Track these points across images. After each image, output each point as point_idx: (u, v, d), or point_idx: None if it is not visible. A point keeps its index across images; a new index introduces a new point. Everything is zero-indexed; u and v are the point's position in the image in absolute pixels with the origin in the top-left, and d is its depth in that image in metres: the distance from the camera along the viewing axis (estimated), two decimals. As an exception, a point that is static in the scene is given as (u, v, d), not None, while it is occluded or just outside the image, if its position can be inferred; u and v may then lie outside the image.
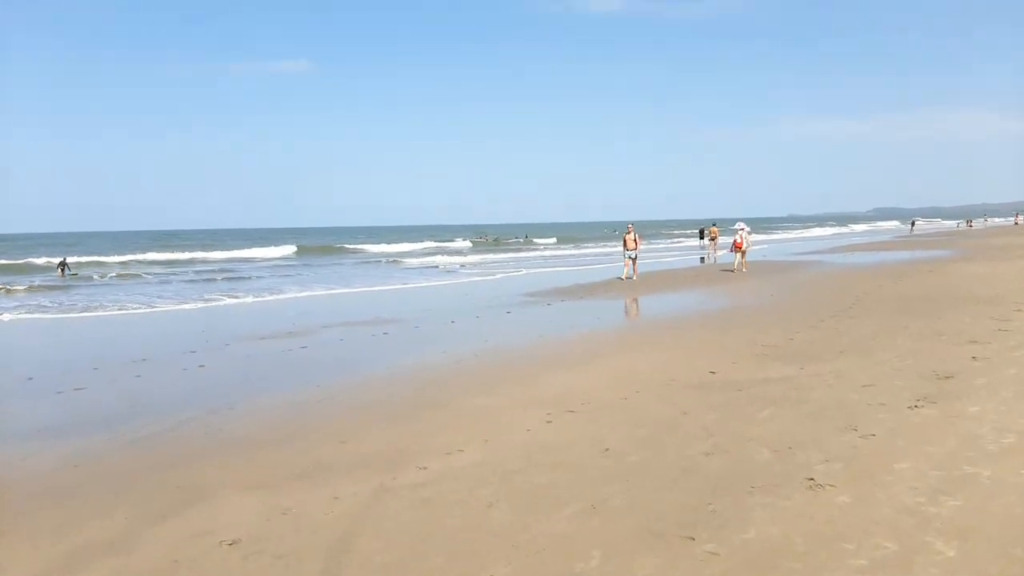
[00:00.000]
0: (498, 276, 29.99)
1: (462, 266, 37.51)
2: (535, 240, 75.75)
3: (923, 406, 6.80)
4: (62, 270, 35.28)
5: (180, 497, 5.41)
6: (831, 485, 4.96)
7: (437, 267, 37.11)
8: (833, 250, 40.13)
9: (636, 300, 18.71)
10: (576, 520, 4.58)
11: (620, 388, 8.26)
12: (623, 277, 23.84)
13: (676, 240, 71.13)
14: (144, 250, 57.94)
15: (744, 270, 25.28)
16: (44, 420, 8.07)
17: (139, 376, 10.43)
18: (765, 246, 48.72)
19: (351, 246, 65.97)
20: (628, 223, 25.56)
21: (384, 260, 46.47)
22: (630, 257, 24.04)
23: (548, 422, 6.99)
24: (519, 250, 59.55)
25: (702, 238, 55.63)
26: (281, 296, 22.71)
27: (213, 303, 21.03)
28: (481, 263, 40.56)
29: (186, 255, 52.94)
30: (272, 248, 59.22)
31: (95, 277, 33.56)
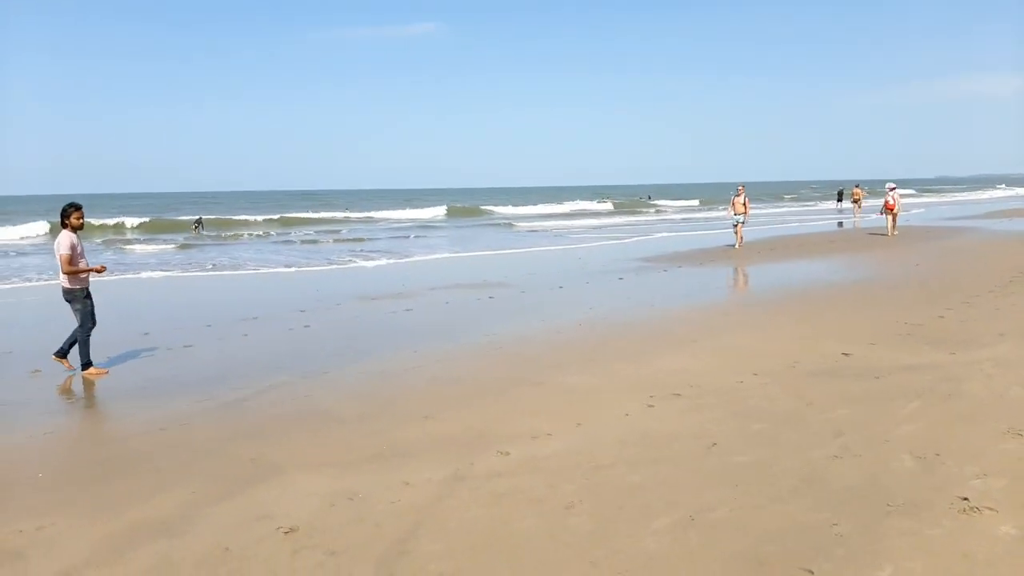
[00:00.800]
0: (618, 240, 29.04)
1: (594, 227, 36.25)
2: (666, 202, 73.08)
3: (1112, 409, 5.60)
4: (197, 228, 37.22)
5: (250, 472, 5.15)
6: (990, 509, 4.02)
7: (548, 231, 36.11)
8: (990, 215, 36.32)
9: (761, 268, 17.38)
10: (669, 535, 3.90)
11: (735, 370, 7.39)
12: (736, 246, 21.92)
13: (811, 203, 66.97)
14: (285, 210, 59.45)
15: (894, 234, 23.81)
16: (146, 379, 8.14)
17: (246, 335, 10.50)
18: (921, 210, 44.89)
19: (490, 208, 64.53)
20: (739, 184, 22.82)
21: (501, 223, 46.19)
22: (738, 222, 22.02)
23: (650, 407, 6.28)
24: (647, 212, 57.75)
25: (840, 200, 52.07)
26: (403, 259, 22.81)
27: (337, 264, 21.38)
28: (603, 226, 39.55)
29: (328, 214, 53.05)
30: (425, 210, 57.84)
31: (244, 236, 34.76)
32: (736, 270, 17.27)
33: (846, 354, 7.92)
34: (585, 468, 4.90)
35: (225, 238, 34.16)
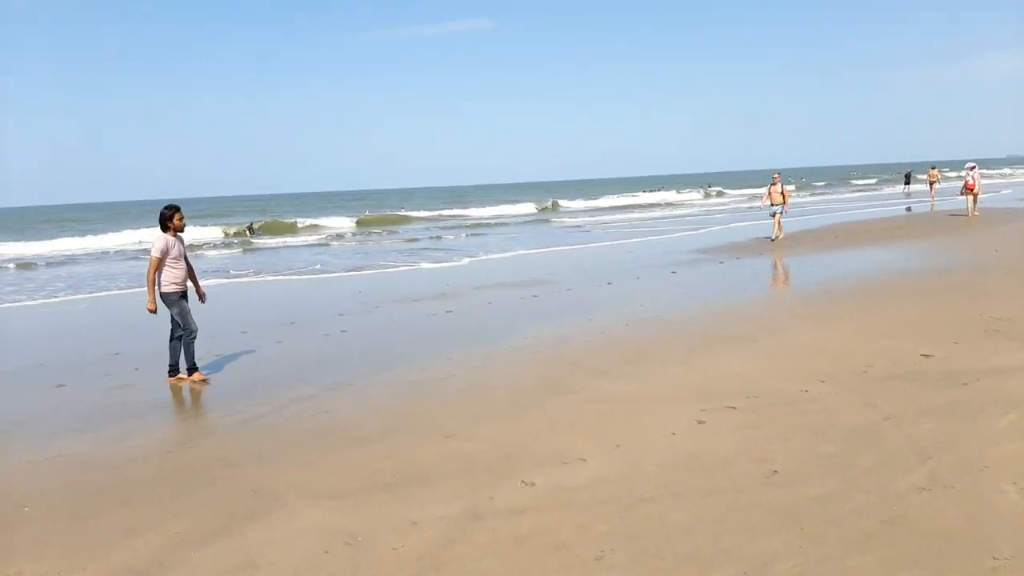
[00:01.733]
0: (681, 232, 28.01)
1: (658, 219, 34.51)
2: (729, 191, 70.62)
3: None
4: (249, 232, 37.22)
5: (248, 506, 4.62)
6: None
7: (581, 227, 34.14)
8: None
9: (826, 257, 16.26)
10: (717, 598, 3.19)
11: (800, 376, 6.57)
12: (772, 238, 20.23)
13: (874, 188, 64.16)
14: (337, 212, 58.25)
15: (976, 214, 23.17)
16: (167, 393, 7.77)
17: (280, 342, 10.10)
18: (1009, 191, 42.25)
19: (562, 203, 62.52)
20: (773, 172, 21.24)
21: (550, 220, 45.21)
22: (774, 213, 20.34)
23: (700, 422, 5.54)
24: (710, 202, 55.99)
25: (907, 183, 49.67)
26: (458, 260, 22.32)
27: (382, 266, 20.94)
28: (664, 218, 38.40)
29: (382, 213, 51.90)
30: (514, 206, 56.22)
31: (291, 240, 34.31)
32: (796, 261, 16.20)
33: (926, 355, 7.01)
34: (622, 503, 4.21)
35: (276, 243, 33.96)
